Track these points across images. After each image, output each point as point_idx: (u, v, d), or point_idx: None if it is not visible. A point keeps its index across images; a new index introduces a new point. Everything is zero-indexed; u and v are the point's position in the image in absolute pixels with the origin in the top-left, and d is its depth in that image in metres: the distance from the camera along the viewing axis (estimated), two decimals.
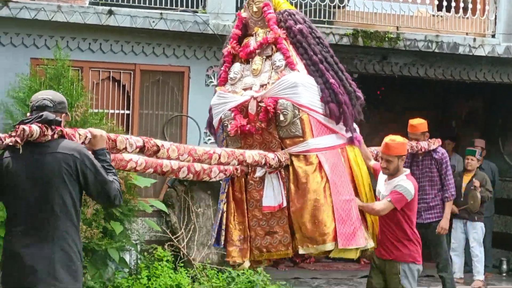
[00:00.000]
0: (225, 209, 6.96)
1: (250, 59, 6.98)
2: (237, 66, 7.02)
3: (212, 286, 10.44)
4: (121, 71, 11.46)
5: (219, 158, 6.13)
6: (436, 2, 12.94)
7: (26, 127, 4.67)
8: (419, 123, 9.70)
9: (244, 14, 7.11)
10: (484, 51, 12.78)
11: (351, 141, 6.98)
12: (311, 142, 6.64)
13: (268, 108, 6.55)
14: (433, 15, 13.14)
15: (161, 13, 11.22)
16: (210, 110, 7.24)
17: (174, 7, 11.43)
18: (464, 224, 12.21)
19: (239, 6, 11.64)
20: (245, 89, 6.87)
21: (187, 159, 5.98)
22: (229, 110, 6.87)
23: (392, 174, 7.44)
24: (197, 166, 6.37)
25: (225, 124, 6.92)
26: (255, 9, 6.97)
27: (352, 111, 6.81)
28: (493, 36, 13.07)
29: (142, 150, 5.57)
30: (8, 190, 4.93)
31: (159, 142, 5.71)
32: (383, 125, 15.28)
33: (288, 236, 6.74)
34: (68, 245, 4.93)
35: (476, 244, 12.16)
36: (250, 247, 6.90)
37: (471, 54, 12.76)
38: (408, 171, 7.61)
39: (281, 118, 6.58)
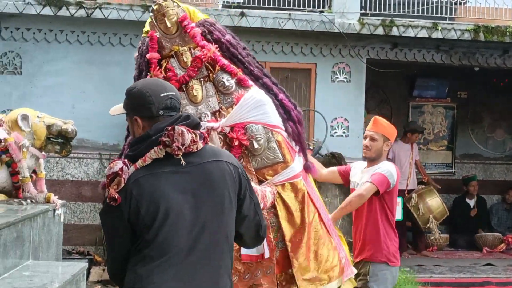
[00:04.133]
0: None
1: (183, 86, 5.61)
2: None
3: None
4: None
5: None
6: None
7: (185, 130, 3.50)
8: None
9: (156, 34, 5.67)
10: None
11: (308, 168, 5.84)
12: (295, 167, 5.56)
13: (243, 141, 5.37)
14: None
15: (289, 14, 11.82)
16: None
17: (301, 8, 12.00)
18: None
19: (363, 5, 12.20)
20: None
21: None
22: None
23: (373, 158, 6.55)
24: None
25: None
26: (168, 25, 5.60)
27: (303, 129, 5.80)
28: None
29: None
30: (153, 222, 3.48)
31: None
32: (506, 113, 15.53)
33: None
34: None
35: None
36: None
37: None
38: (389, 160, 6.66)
39: (255, 146, 5.40)
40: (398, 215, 8.63)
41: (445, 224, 14.05)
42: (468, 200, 14.64)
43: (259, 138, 5.39)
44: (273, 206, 5.43)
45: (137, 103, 3.63)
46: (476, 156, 15.61)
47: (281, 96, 5.66)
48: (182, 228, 3.47)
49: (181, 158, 3.48)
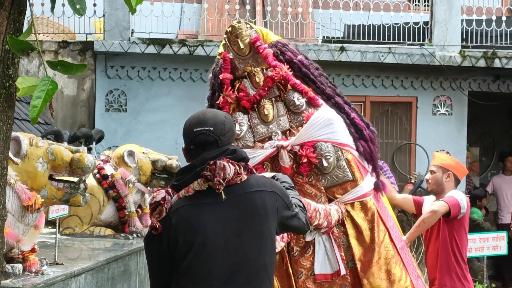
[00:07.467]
0: None
1: (255, 105, 5.62)
2: (239, 117, 5.59)
3: None
4: (352, 103, 12.06)
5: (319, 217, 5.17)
6: None
7: (227, 164, 3.57)
8: None
9: (230, 55, 5.67)
10: None
11: (378, 187, 5.65)
12: (364, 185, 5.46)
13: (311, 158, 5.33)
14: None
15: (389, 48, 11.86)
16: None
17: (401, 41, 12.03)
18: None
19: (464, 37, 12.10)
20: (261, 141, 5.52)
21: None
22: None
23: (435, 190, 6.60)
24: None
25: None
26: (241, 46, 5.60)
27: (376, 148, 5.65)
28: None
29: None
30: (189, 251, 3.56)
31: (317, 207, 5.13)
32: None
33: None
34: None
35: None
36: None
37: None
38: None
39: (325, 164, 5.34)
40: (503, 249, 8.47)
41: None
42: None
43: (329, 157, 5.33)
44: (343, 224, 5.40)
45: (182, 133, 3.74)
46: None
47: (353, 115, 5.59)
48: (220, 257, 3.51)
49: (222, 192, 3.53)
